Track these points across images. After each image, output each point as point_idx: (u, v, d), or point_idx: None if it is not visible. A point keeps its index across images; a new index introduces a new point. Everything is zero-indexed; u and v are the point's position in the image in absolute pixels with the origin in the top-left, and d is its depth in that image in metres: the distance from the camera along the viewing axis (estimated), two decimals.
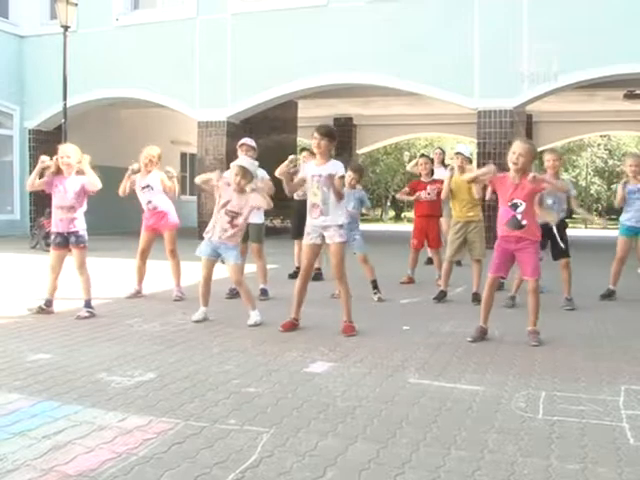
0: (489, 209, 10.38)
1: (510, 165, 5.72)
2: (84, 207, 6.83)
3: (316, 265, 9.70)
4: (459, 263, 8.98)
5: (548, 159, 7.75)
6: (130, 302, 7.64)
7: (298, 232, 8.27)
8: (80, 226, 6.75)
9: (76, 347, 5.34)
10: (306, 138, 28.36)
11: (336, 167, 6.04)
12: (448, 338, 5.88)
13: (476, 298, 7.58)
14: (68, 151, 6.75)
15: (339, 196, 6.03)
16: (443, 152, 12.36)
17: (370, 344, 5.59)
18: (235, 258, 6.58)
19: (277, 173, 6.61)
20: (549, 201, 7.72)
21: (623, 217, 8.25)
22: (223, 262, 6.68)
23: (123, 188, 7.89)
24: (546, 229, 7.37)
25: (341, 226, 6.06)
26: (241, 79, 17.12)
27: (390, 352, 5.30)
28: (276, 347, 5.42)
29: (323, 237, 6.10)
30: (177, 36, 17.72)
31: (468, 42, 15.17)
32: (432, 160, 10.12)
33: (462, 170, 7.93)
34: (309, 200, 6.15)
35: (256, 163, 6.89)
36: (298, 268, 9.76)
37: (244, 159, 6.86)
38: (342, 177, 6.09)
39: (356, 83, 16.59)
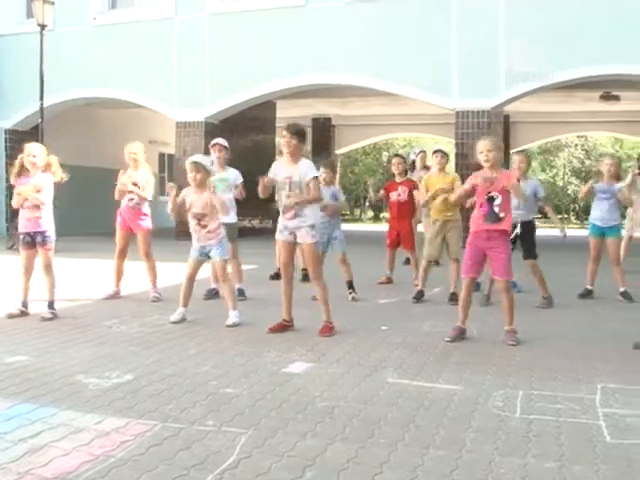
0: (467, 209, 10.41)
1: (484, 164, 5.78)
2: (50, 206, 6.71)
3: (303, 266, 9.74)
4: (437, 263, 9.00)
5: (514, 160, 7.89)
6: (107, 303, 7.60)
7: None
8: (47, 226, 6.63)
9: (53, 349, 5.30)
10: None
11: (308, 168, 5.97)
12: (426, 338, 5.90)
13: (453, 298, 7.61)
14: (34, 150, 6.62)
15: (317, 201, 6.02)
16: (425, 153, 12.31)
17: (348, 344, 5.60)
18: (221, 254, 6.60)
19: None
20: (514, 200, 7.80)
21: (591, 215, 8.38)
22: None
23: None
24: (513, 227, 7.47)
25: (313, 226, 6.02)
26: (219, 79, 17.09)
27: (368, 352, 5.31)
28: (254, 348, 5.41)
29: (295, 235, 6.07)
30: (155, 36, 17.64)
31: (446, 43, 15.23)
32: (414, 162, 10.06)
33: (442, 171, 7.98)
34: (281, 200, 6.06)
35: (209, 158, 6.98)
36: (279, 269, 9.76)
37: (196, 155, 6.89)
38: (315, 178, 6.00)
39: (334, 83, 16.60)
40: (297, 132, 6.01)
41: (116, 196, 7.94)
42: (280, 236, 6.16)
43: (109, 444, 3.28)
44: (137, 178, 7.94)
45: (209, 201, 6.52)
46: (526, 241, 7.68)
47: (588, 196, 8.35)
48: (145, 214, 7.98)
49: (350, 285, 8.09)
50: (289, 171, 5.97)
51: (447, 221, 7.91)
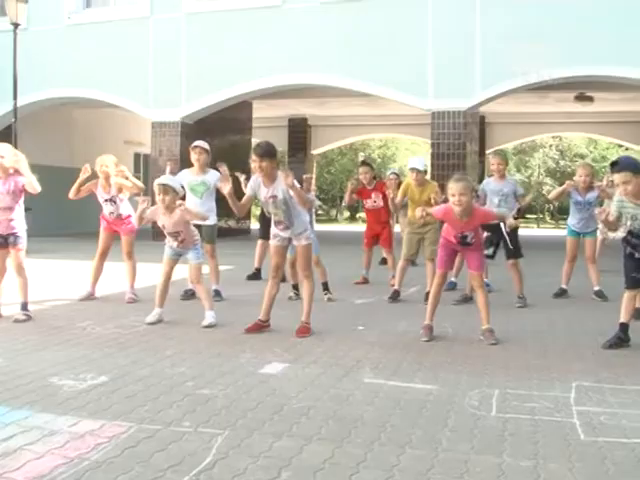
0: None
1: (455, 208, 5.69)
2: (22, 208, 6.60)
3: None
4: (413, 263, 9.04)
5: (493, 162, 7.93)
6: (82, 305, 7.54)
7: (266, 233, 7.84)
8: (19, 227, 6.53)
9: (26, 351, 5.25)
10: (261, 139, 28.34)
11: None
12: (402, 338, 5.92)
13: (428, 297, 7.64)
14: (2, 151, 6.46)
15: (305, 204, 6.02)
16: (398, 176, 12.30)
17: (325, 344, 5.60)
18: (196, 257, 6.60)
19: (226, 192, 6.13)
20: (495, 200, 7.88)
21: (569, 221, 8.47)
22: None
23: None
24: (497, 228, 7.52)
25: (306, 229, 6.10)
26: (195, 79, 17.02)
27: (345, 352, 5.32)
28: (230, 348, 5.40)
29: (289, 240, 6.14)
30: (130, 35, 17.54)
31: (422, 43, 15.28)
32: (372, 168, 10.03)
33: (422, 185, 7.96)
34: (272, 216, 6.09)
35: (177, 179, 7.00)
36: (257, 269, 9.77)
37: (162, 177, 6.81)
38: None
39: (310, 84, 16.61)
40: (264, 153, 5.86)
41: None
42: (274, 241, 6.17)
43: (84, 446, 3.25)
44: (112, 195, 7.84)
45: (181, 220, 6.51)
46: (512, 240, 7.74)
47: (560, 199, 8.43)
48: (128, 216, 7.89)
49: (325, 286, 8.10)
50: (270, 191, 5.95)
51: (425, 223, 7.94)
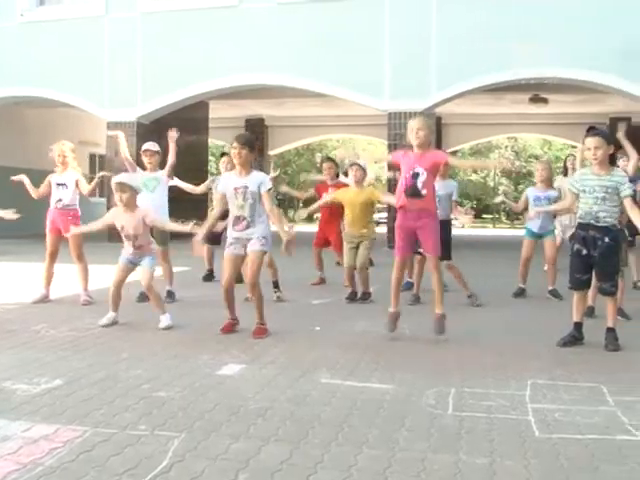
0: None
1: (413, 142, 5.88)
2: None
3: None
4: (371, 262, 9.07)
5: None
6: (36, 307, 7.43)
7: (208, 239, 7.80)
8: None
9: None
10: (217, 139, 28.21)
11: (264, 179, 5.96)
12: (359, 338, 5.94)
13: (363, 297, 7.98)
14: None
15: (275, 218, 5.99)
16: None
17: (282, 345, 5.60)
18: (149, 263, 6.51)
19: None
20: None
21: (528, 223, 8.59)
22: None
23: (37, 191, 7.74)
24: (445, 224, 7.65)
25: (265, 237, 5.95)
26: (152, 79, 16.90)
27: (302, 353, 5.32)
28: (187, 350, 5.37)
29: (245, 248, 5.97)
30: (85, 34, 17.34)
31: (378, 44, 15.38)
32: (337, 164, 10.07)
33: (360, 185, 8.03)
34: (232, 212, 5.98)
35: (137, 176, 6.96)
36: (210, 270, 9.72)
37: (119, 175, 6.74)
38: (269, 190, 5.92)
39: (267, 84, 16.59)
40: (246, 142, 5.93)
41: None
42: (229, 250, 6.00)
43: (38, 452, 3.21)
44: (66, 179, 7.79)
45: (141, 223, 6.44)
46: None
47: (525, 204, 8.55)
48: (74, 215, 7.81)
49: (276, 285, 8.07)
50: (243, 181, 5.90)
51: (362, 236, 8.01)
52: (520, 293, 8.49)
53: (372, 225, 8.29)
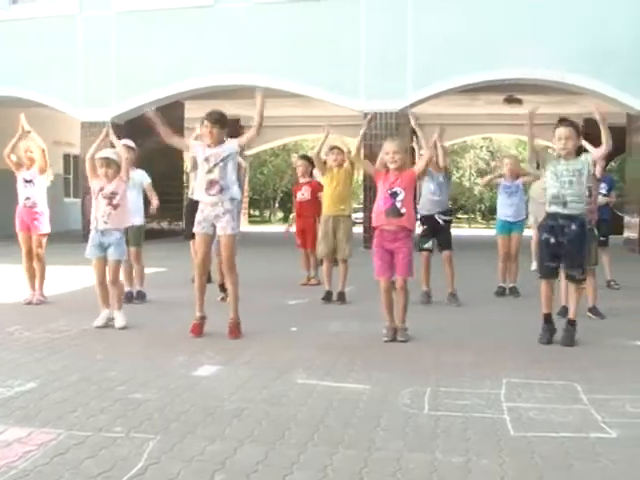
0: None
1: (389, 165, 5.92)
2: None
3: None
4: (336, 262, 9.04)
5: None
6: (10, 308, 7.36)
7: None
8: None
9: None
10: (193, 140, 28.05)
11: (236, 139, 6.03)
12: (335, 338, 5.95)
13: (341, 298, 7.92)
14: None
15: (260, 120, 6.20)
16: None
17: (258, 346, 5.59)
18: (117, 252, 6.40)
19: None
20: (431, 186, 8.11)
21: (500, 212, 8.67)
22: None
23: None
24: (432, 219, 7.72)
25: (232, 216, 5.92)
26: (126, 79, 16.80)
27: (278, 353, 5.32)
28: (162, 351, 5.34)
29: (214, 228, 5.96)
30: (59, 33, 17.18)
31: (354, 44, 15.40)
32: (311, 162, 10.08)
33: (340, 165, 8.05)
34: (204, 180, 5.89)
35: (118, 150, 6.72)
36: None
37: (104, 150, 6.65)
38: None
39: (242, 84, 16.51)
40: (218, 120, 5.92)
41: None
42: (199, 228, 5.98)
43: (11, 455, 3.17)
44: (32, 175, 7.71)
45: (121, 181, 6.41)
46: (445, 233, 8.03)
47: (490, 184, 9.15)
48: (41, 214, 7.73)
49: (222, 288, 7.76)
50: (215, 149, 5.89)
51: (338, 216, 7.97)
52: (502, 292, 8.53)
53: (350, 202, 8.27)
